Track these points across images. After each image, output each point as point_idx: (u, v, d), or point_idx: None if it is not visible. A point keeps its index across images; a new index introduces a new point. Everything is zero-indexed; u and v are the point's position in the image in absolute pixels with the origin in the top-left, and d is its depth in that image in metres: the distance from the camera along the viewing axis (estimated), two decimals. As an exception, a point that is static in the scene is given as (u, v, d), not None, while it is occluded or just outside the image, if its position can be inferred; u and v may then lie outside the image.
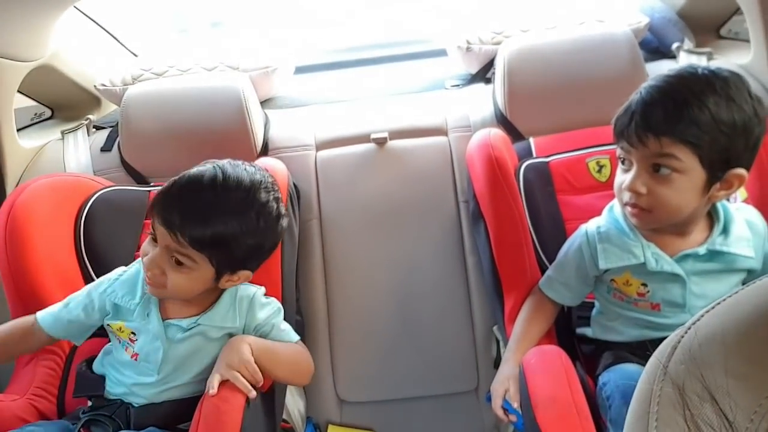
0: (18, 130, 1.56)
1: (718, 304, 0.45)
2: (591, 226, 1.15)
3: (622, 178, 1.04)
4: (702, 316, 0.45)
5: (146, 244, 1.05)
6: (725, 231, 1.07)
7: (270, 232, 1.08)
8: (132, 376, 1.10)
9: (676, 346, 0.44)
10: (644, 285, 1.09)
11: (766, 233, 1.10)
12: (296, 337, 1.19)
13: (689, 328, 0.45)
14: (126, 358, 1.11)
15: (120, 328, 1.13)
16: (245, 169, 1.07)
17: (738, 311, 0.44)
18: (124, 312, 1.12)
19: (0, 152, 1.47)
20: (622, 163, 1.04)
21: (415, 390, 1.54)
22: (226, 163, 1.06)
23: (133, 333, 1.11)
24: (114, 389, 1.11)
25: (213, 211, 1.00)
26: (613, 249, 1.10)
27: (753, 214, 1.12)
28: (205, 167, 1.06)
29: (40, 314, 1.16)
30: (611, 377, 1.04)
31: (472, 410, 1.52)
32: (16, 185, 1.52)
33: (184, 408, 1.07)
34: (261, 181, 1.07)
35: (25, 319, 1.17)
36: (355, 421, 1.53)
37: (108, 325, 1.14)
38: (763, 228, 1.10)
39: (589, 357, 1.21)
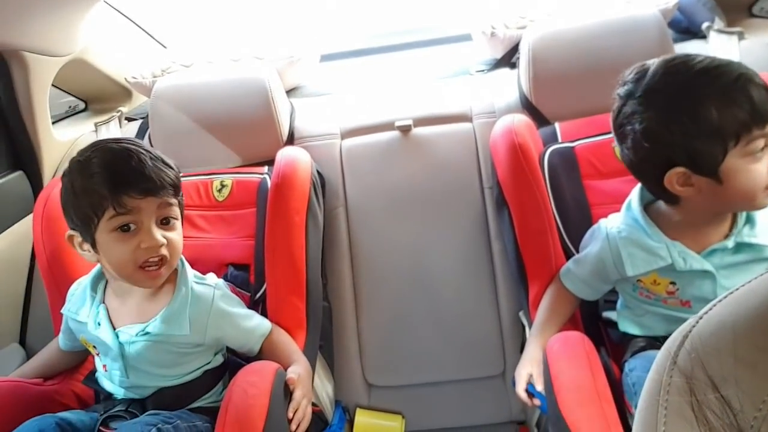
0: (53, 122, 1.61)
1: (731, 293, 0.45)
2: (611, 228, 1.11)
3: (763, 166, 0.93)
4: (714, 305, 0.45)
5: (117, 244, 1.01)
6: (750, 221, 1.03)
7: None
8: (116, 382, 1.13)
9: (687, 335, 0.45)
10: (673, 284, 1.06)
11: None
12: (267, 328, 1.20)
13: (701, 318, 0.45)
14: (101, 370, 1.15)
15: (86, 343, 1.16)
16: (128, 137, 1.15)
17: (749, 300, 0.44)
18: (81, 326, 1.14)
19: (36, 144, 1.52)
20: (761, 150, 0.93)
21: (442, 374, 1.56)
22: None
23: (94, 346, 1.14)
24: (118, 392, 1.14)
25: (158, 160, 1.05)
26: (638, 253, 1.06)
27: None
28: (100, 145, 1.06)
29: (59, 338, 1.24)
30: (637, 364, 1.03)
31: (499, 395, 1.53)
32: (53, 177, 1.57)
33: (191, 389, 1.13)
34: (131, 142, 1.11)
35: (52, 345, 1.27)
36: (382, 405, 1.56)
37: (80, 341, 1.19)
38: None
39: (616, 343, 1.21)
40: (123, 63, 1.76)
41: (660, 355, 0.47)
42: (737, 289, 0.46)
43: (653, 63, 0.99)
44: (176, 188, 1.07)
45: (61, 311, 1.18)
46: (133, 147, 1.04)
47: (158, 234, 1.03)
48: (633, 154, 1.01)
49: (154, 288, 1.10)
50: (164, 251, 1.04)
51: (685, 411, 0.41)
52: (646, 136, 0.97)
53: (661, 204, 1.08)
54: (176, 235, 1.07)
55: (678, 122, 0.93)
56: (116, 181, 0.99)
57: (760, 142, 0.92)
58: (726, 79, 0.92)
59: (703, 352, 0.43)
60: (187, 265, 1.15)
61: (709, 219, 1.04)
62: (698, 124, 0.92)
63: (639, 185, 1.11)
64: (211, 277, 1.20)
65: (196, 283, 1.14)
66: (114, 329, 1.10)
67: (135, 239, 1.01)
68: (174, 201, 1.06)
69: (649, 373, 0.48)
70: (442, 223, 1.57)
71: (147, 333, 1.08)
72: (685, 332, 0.46)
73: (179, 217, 1.09)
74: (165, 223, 1.05)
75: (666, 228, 1.05)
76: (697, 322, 0.46)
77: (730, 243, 1.02)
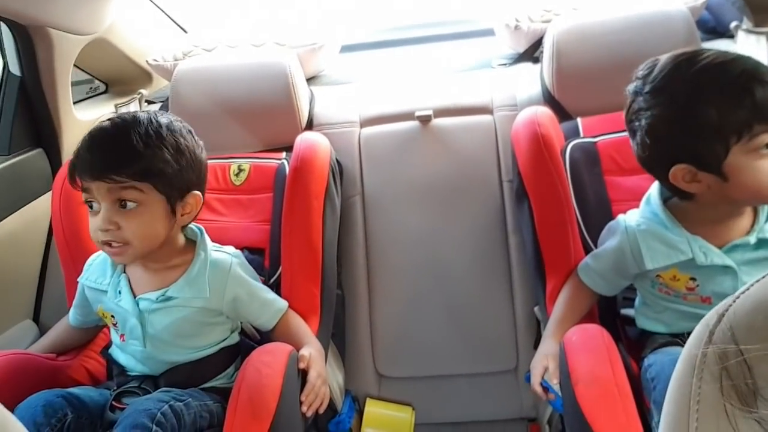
0: (75, 103, 1.62)
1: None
2: (630, 221, 1.10)
3: None
4: (751, 285, 0.44)
5: (90, 221, 1.04)
6: None
7: (190, 143, 1.09)
8: (132, 354, 1.13)
9: (724, 314, 0.44)
10: (693, 279, 1.04)
11: None
12: (285, 304, 1.20)
13: (737, 297, 0.44)
14: (118, 341, 1.15)
15: (103, 314, 1.16)
16: (138, 111, 1.13)
17: None
18: (100, 295, 1.15)
19: (57, 122, 1.52)
20: (766, 147, 0.92)
21: (453, 368, 1.55)
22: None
23: (112, 316, 1.14)
24: (132, 366, 1.14)
25: (130, 139, 1.01)
26: (658, 247, 1.05)
27: None
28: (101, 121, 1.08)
29: (70, 313, 1.25)
30: (657, 359, 1.01)
31: (511, 390, 1.52)
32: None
33: (205, 367, 1.13)
34: (155, 113, 1.09)
35: (63, 321, 1.28)
36: (393, 396, 1.55)
37: (96, 312, 1.18)
38: None
39: (634, 340, 1.19)
40: (145, 46, 1.77)
41: (695, 335, 0.46)
42: None
43: (662, 58, 0.99)
44: (144, 174, 1.01)
45: (78, 279, 1.18)
46: (117, 125, 1.04)
47: (108, 218, 1.01)
48: (641, 150, 1.02)
49: (167, 258, 1.12)
50: (114, 236, 1.02)
51: (718, 390, 0.40)
52: (650, 133, 0.98)
53: (679, 200, 1.07)
54: (134, 221, 1.02)
55: (679, 120, 0.94)
56: (76, 162, 1.03)
57: (765, 138, 0.91)
58: (729, 75, 0.92)
59: (739, 331, 0.42)
60: (205, 233, 1.17)
61: (727, 214, 1.03)
62: (698, 122, 0.92)
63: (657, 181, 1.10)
64: (230, 248, 1.20)
65: (215, 250, 1.15)
66: (134, 297, 1.10)
67: (95, 219, 1.03)
68: (139, 185, 1.01)
69: (681, 353, 0.47)
70: (458, 216, 1.55)
71: (167, 298, 1.09)
72: (722, 311, 0.45)
73: (153, 202, 1.03)
74: (125, 206, 1.02)
75: (686, 223, 1.04)
76: (734, 301, 0.45)
77: (752, 239, 1.01)
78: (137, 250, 1.05)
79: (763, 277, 0.45)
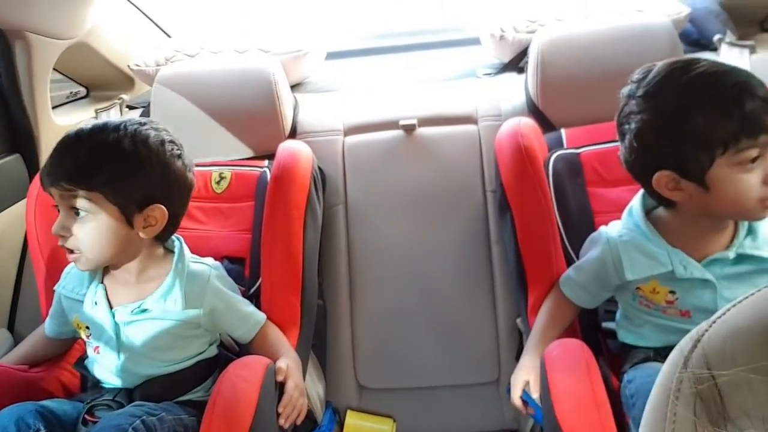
0: (54, 107, 1.59)
1: (746, 298, 0.44)
2: (612, 232, 1.10)
3: (755, 177, 0.92)
4: (728, 310, 0.44)
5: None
6: (752, 232, 1.02)
7: (154, 154, 1.05)
8: (107, 366, 1.11)
9: (700, 339, 0.43)
10: (672, 293, 1.04)
11: None
12: (263, 317, 1.19)
13: (713, 322, 0.43)
14: (92, 353, 1.13)
15: (77, 324, 1.14)
16: (108, 120, 1.10)
17: (764, 306, 0.43)
18: (76, 305, 1.13)
19: (35, 127, 1.50)
20: (752, 161, 0.92)
21: (435, 379, 1.53)
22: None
23: (87, 327, 1.12)
24: (107, 379, 1.12)
25: (83, 148, 1.01)
26: (639, 258, 1.05)
27: None
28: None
29: (46, 323, 1.23)
30: (636, 375, 1.01)
31: (493, 402, 1.51)
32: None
33: (181, 380, 1.10)
34: (131, 120, 1.07)
35: (38, 331, 1.26)
36: (374, 408, 1.54)
37: (72, 322, 1.16)
38: None
39: (615, 354, 1.19)
40: (126, 50, 1.75)
41: (670, 360, 0.46)
42: (752, 294, 0.44)
43: (658, 64, 0.99)
44: (95, 184, 1.00)
45: (54, 288, 1.16)
46: (79, 134, 1.04)
47: (61, 224, 1.02)
48: (627, 154, 1.02)
49: (146, 268, 1.11)
50: (66, 243, 1.03)
51: (691, 413, 0.40)
52: (638, 137, 0.98)
53: (662, 211, 1.08)
54: (85, 229, 1.02)
55: (666, 127, 0.94)
56: (43, 166, 1.05)
57: (752, 153, 0.91)
58: (720, 87, 0.92)
59: (712, 357, 0.42)
60: (184, 245, 1.15)
61: (707, 227, 1.03)
62: (685, 131, 0.92)
63: (641, 192, 1.10)
64: (209, 260, 1.18)
65: (193, 262, 1.14)
66: (111, 309, 1.09)
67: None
68: (88, 195, 1.00)
69: (657, 378, 0.46)
70: (442, 226, 1.55)
71: (143, 310, 1.08)
72: (697, 336, 0.44)
73: (104, 212, 1.02)
74: (77, 214, 1.02)
75: (667, 235, 1.04)
76: (710, 326, 0.44)
77: (731, 254, 1.01)
78: (89, 259, 1.04)
79: (738, 302, 0.45)
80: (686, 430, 0.41)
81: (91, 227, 1.02)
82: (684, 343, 0.44)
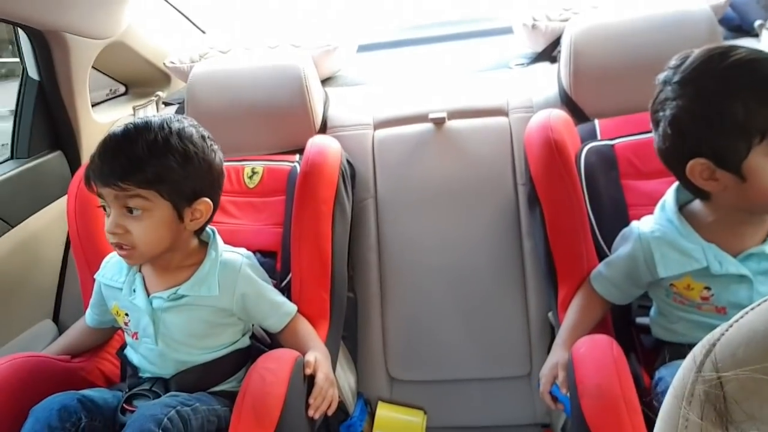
0: (93, 105, 1.64)
1: (764, 302, 0.42)
2: (644, 228, 1.08)
3: None
4: (746, 312, 0.43)
5: (105, 222, 1.07)
6: None
7: (200, 149, 1.09)
8: (145, 354, 1.15)
9: (715, 344, 0.42)
10: (707, 288, 1.02)
11: None
12: (294, 308, 1.21)
13: (731, 326, 0.42)
14: (131, 340, 1.17)
15: (116, 312, 1.18)
16: (154, 116, 1.12)
17: None
18: (115, 293, 1.17)
19: (75, 125, 1.55)
20: None
21: (466, 372, 1.53)
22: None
23: (126, 314, 1.16)
24: (145, 367, 1.16)
25: (136, 147, 1.03)
26: (672, 254, 1.02)
27: None
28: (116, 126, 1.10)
29: (87, 313, 1.27)
30: (667, 373, 0.99)
31: (524, 396, 1.50)
32: (91, 157, 1.60)
33: (215, 370, 1.14)
34: (170, 118, 1.10)
35: (80, 323, 1.30)
36: (405, 399, 1.55)
37: (110, 311, 1.20)
38: None
39: (649, 350, 1.17)
40: (162, 48, 1.78)
41: (685, 364, 0.45)
42: None
43: (696, 51, 0.96)
44: (149, 182, 1.03)
45: (95, 276, 1.21)
46: (128, 133, 1.05)
47: (116, 222, 1.04)
48: (661, 142, 1.00)
49: (180, 259, 1.14)
50: (121, 239, 1.05)
51: (708, 420, 0.39)
52: (673, 124, 0.95)
53: (696, 205, 1.05)
54: (140, 226, 1.04)
55: (703, 114, 0.92)
56: (90, 167, 1.06)
57: None
58: (759, 75, 0.90)
59: (726, 362, 0.41)
60: (218, 235, 1.18)
61: (743, 221, 1.00)
62: (723, 118, 0.90)
63: (674, 186, 1.07)
64: (242, 250, 1.21)
65: (226, 251, 1.17)
66: (148, 296, 1.13)
67: (107, 221, 1.06)
68: (144, 193, 1.03)
69: (672, 382, 0.46)
70: (472, 219, 1.54)
71: (178, 296, 1.11)
72: (714, 340, 0.43)
73: (159, 208, 1.05)
74: (132, 212, 1.04)
75: (701, 230, 1.02)
76: (728, 329, 0.43)
77: (767, 248, 0.98)
78: (143, 254, 1.08)
79: (757, 305, 0.44)
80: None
81: (147, 224, 1.05)
82: (698, 348, 0.43)
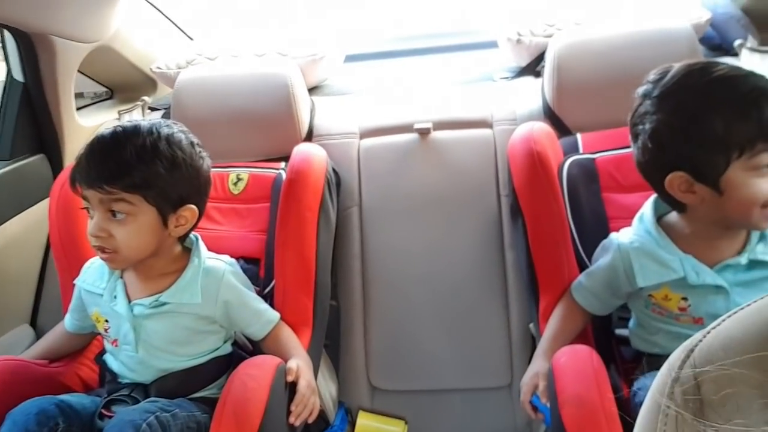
0: (78, 109, 1.63)
1: (741, 309, 0.43)
2: (623, 239, 1.10)
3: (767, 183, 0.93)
4: (723, 320, 0.44)
5: (88, 224, 1.06)
6: (764, 238, 1.01)
7: (188, 156, 1.09)
8: (125, 361, 1.14)
9: (693, 349, 0.43)
10: (685, 299, 1.03)
11: None
12: (276, 316, 1.20)
13: (708, 333, 0.43)
14: (110, 347, 1.16)
15: (97, 318, 1.17)
16: (143, 120, 1.15)
17: (762, 317, 0.42)
18: (96, 298, 1.16)
19: (59, 129, 1.54)
20: (767, 167, 0.92)
21: (447, 382, 1.53)
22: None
23: (106, 320, 1.15)
24: (124, 373, 1.14)
25: (123, 150, 1.02)
26: (650, 265, 1.04)
27: None
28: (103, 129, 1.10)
29: (66, 317, 1.25)
30: (646, 383, 1.00)
31: (505, 406, 1.51)
32: (74, 161, 1.59)
33: (196, 376, 1.12)
34: (159, 123, 1.10)
35: (58, 327, 1.28)
36: (386, 409, 1.54)
37: (90, 317, 1.19)
38: None
39: (629, 361, 1.18)
40: (149, 53, 1.78)
41: (663, 369, 0.45)
42: (749, 305, 0.44)
43: (676, 66, 0.99)
44: (135, 186, 1.02)
45: (74, 282, 1.20)
46: (115, 136, 1.05)
47: (98, 225, 1.03)
48: (641, 155, 1.02)
49: (162, 265, 1.13)
50: (104, 243, 1.04)
51: (687, 428, 0.39)
52: (653, 138, 0.97)
53: (673, 217, 1.07)
54: (124, 230, 1.03)
55: (684, 128, 0.94)
56: (76, 168, 1.05)
57: (766, 157, 0.91)
58: (739, 90, 0.92)
59: (708, 370, 0.41)
60: (201, 241, 1.17)
61: (719, 233, 1.03)
62: (703, 133, 0.92)
63: (652, 198, 1.10)
64: (225, 257, 1.21)
65: (209, 258, 1.16)
66: (129, 302, 1.11)
67: (89, 224, 1.05)
68: (129, 197, 1.02)
69: (650, 390, 0.46)
70: (456, 230, 1.55)
71: (160, 303, 1.10)
72: (692, 346, 0.44)
73: (143, 213, 1.04)
74: (116, 215, 1.03)
75: (678, 241, 1.04)
76: (704, 337, 0.44)
77: (743, 259, 1.01)
78: (126, 258, 1.07)
79: (734, 313, 0.45)
80: None
81: (130, 229, 1.04)
82: (676, 354, 0.44)
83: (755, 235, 1.02)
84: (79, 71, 1.57)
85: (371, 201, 1.58)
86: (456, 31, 2.10)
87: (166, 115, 1.70)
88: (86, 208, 1.06)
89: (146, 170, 1.03)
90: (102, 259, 1.08)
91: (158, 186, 1.04)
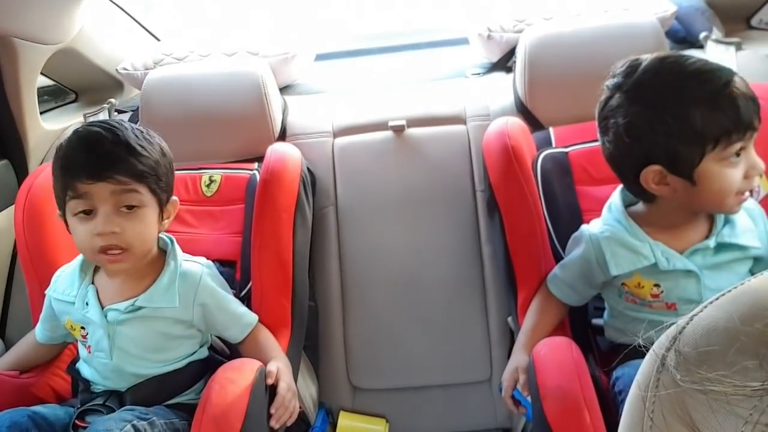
0: (42, 112, 1.59)
1: (723, 295, 0.44)
2: (594, 229, 1.11)
3: (738, 172, 0.96)
4: (705, 307, 0.44)
5: (78, 227, 1.02)
6: (729, 221, 1.04)
7: (164, 145, 1.11)
8: (98, 368, 1.11)
9: (677, 337, 0.43)
10: (657, 285, 1.05)
11: (762, 217, 1.08)
12: (255, 318, 1.19)
13: (691, 320, 0.44)
14: (85, 353, 1.13)
15: (71, 326, 1.14)
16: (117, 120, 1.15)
17: (744, 302, 0.43)
18: (68, 307, 1.13)
19: (23, 133, 1.49)
20: (737, 155, 0.95)
21: (427, 379, 1.54)
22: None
23: (82, 327, 1.12)
24: (98, 381, 1.12)
25: (124, 138, 1.01)
26: (622, 252, 1.05)
27: (750, 201, 1.08)
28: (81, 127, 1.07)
29: (36, 328, 1.22)
30: (625, 372, 1.02)
31: (485, 400, 1.51)
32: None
33: (172, 382, 1.10)
34: (122, 120, 1.10)
35: (28, 337, 1.25)
36: (367, 408, 1.54)
37: (64, 325, 1.16)
38: (758, 212, 1.08)
39: (605, 351, 1.19)
40: (115, 54, 1.74)
41: (647, 359, 0.46)
42: (730, 291, 0.44)
43: (646, 58, 0.99)
44: (144, 175, 1.01)
45: (45, 292, 1.16)
46: (108, 128, 1.02)
47: (110, 221, 1.00)
48: (613, 148, 1.02)
49: (139, 268, 1.10)
50: (115, 240, 1.01)
51: (673, 416, 0.40)
52: (628, 131, 0.98)
53: (640, 206, 1.09)
54: (137, 224, 1.02)
55: (662, 121, 0.94)
56: (69, 166, 1.00)
57: (736, 147, 0.93)
58: (714, 84, 0.93)
59: (693, 356, 0.42)
60: (176, 244, 1.15)
61: (686, 219, 1.05)
62: (681, 126, 0.93)
63: (620, 187, 1.11)
64: (201, 259, 1.19)
65: (186, 261, 1.14)
66: (102, 308, 1.08)
67: (92, 224, 1.00)
68: (139, 187, 1.01)
69: (636, 377, 0.47)
70: (432, 226, 1.55)
71: (136, 308, 1.07)
72: (674, 334, 0.44)
73: (150, 204, 1.04)
74: (130, 208, 1.01)
75: (647, 228, 1.06)
76: (687, 323, 0.44)
77: (711, 243, 1.03)
78: (136, 255, 1.05)
79: (716, 299, 0.45)
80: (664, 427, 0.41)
81: (142, 221, 1.03)
82: (661, 341, 0.44)
83: (720, 219, 1.04)
84: (42, 74, 1.53)
85: (347, 200, 1.57)
86: (426, 29, 2.10)
87: (133, 118, 1.67)
88: (83, 211, 1.01)
89: (150, 157, 1.02)
90: (107, 262, 1.04)
91: (158, 174, 1.04)
